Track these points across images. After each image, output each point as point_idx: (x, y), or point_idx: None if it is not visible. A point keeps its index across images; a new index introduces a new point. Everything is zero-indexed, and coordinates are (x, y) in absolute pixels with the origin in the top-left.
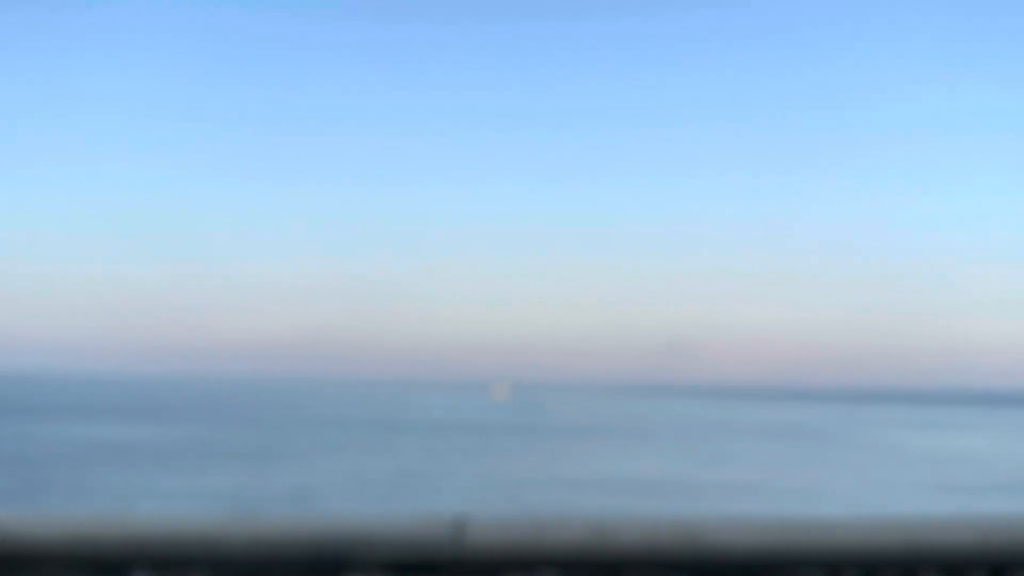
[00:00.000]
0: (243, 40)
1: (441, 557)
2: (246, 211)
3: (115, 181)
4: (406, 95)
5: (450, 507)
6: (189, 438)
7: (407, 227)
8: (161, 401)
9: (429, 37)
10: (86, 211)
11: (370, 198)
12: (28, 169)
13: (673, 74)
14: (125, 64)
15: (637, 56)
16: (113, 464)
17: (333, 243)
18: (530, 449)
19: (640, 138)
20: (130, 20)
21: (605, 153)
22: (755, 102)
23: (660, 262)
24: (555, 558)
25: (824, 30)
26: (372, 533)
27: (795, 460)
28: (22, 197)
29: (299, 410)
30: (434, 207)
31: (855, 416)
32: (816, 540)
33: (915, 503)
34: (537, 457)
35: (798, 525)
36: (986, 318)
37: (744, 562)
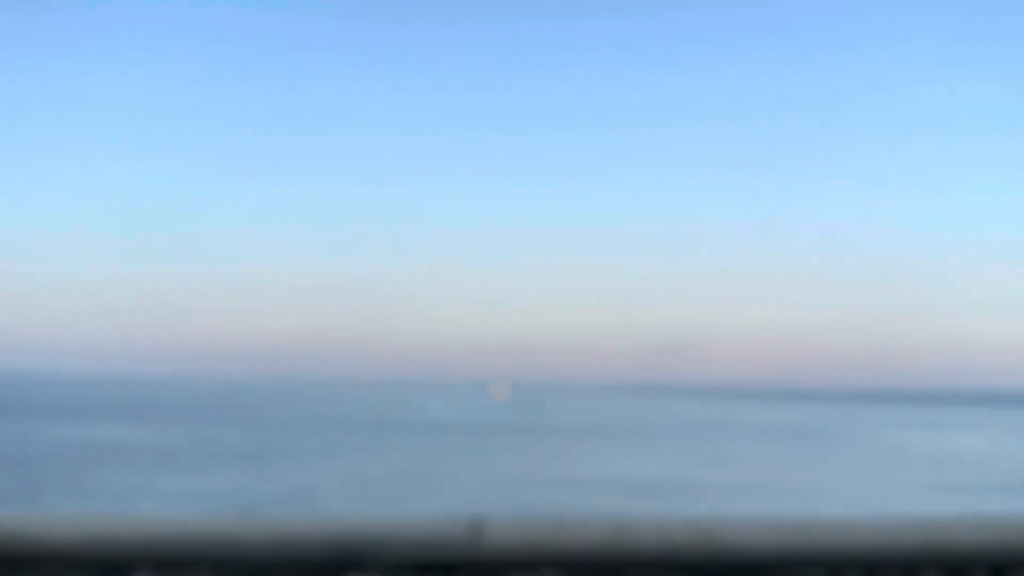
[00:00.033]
0: (243, 40)
1: (458, 557)
2: (246, 211)
3: (115, 181)
4: (406, 95)
5: (451, 507)
6: (189, 438)
7: (407, 227)
8: (160, 401)
9: (429, 37)
10: (86, 211)
11: (370, 198)
12: (28, 169)
13: (673, 74)
14: (125, 64)
15: (637, 56)
16: (113, 464)
17: (333, 243)
18: (530, 449)
19: (640, 138)
20: (130, 20)
21: (605, 153)
22: (755, 102)
23: (660, 262)
24: (572, 558)
25: (824, 30)
26: (389, 533)
27: (795, 460)
28: (22, 197)
29: (299, 410)
30: (434, 207)
31: (855, 416)
32: (817, 540)
33: (915, 503)
34: (537, 457)
35: (811, 525)
36: (986, 318)
37: (760, 562)
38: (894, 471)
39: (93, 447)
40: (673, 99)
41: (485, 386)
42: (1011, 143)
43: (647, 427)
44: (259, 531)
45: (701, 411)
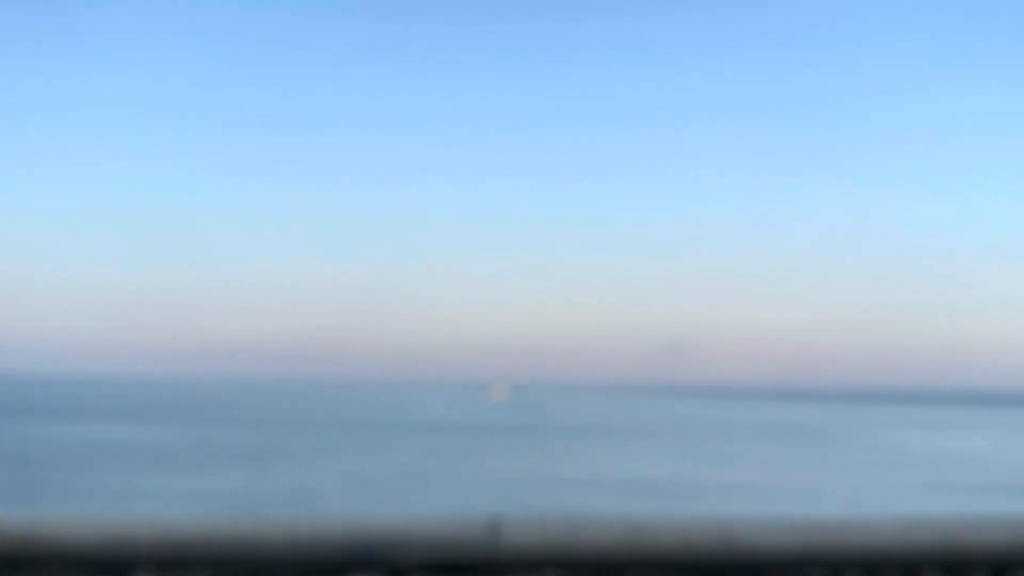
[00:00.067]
0: (243, 40)
1: (477, 557)
2: (246, 211)
3: (115, 181)
4: (406, 95)
5: (450, 507)
6: (188, 439)
7: (407, 227)
8: (160, 402)
9: (429, 37)
10: (86, 211)
11: (370, 198)
12: (28, 169)
13: (673, 74)
14: (125, 64)
15: (637, 56)
16: (112, 465)
17: (333, 243)
18: (530, 449)
19: (640, 138)
20: (130, 20)
21: (605, 153)
22: (755, 102)
23: (660, 262)
24: (589, 558)
25: (824, 30)
26: (407, 533)
27: (795, 460)
28: (22, 197)
29: (299, 410)
30: (434, 207)
31: (855, 416)
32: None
33: (915, 503)
34: (537, 457)
35: (828, 525)
36: (986, 317)
37: (778, 562)
38: (894, 471)
39: (92, 447)
40: (673, 99)
41: (485, 386)
42: (1011, 143)
43: (647, 427)
44: (273, 530)
45: (701, 411)
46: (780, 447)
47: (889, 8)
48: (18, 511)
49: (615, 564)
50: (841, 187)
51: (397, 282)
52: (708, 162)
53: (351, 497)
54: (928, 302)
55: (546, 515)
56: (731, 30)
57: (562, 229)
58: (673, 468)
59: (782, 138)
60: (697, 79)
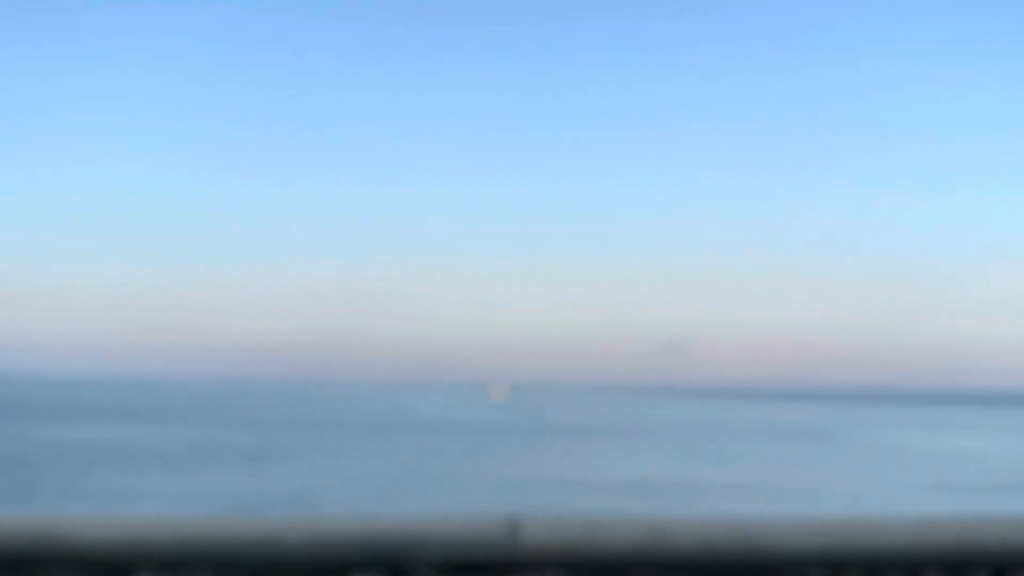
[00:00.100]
0: (243, 40)
1: (495, 557)
2: (246, 211)
3: (115, 181)
4: (406, 95)
5: (451, 508)
6: (188, 439)
7: (406, 227)
8: (160, 402)
9: (429, 37)
10: (86, 211)
11: (370, 198)
12: (29, 170)
13: (673, 75)
14: (125, 64)
15: (637, 57)
16: (112, 465)
17: (333, 243)
18: (529, 450)
19: (640, 138)
20: (131, 21)
21: (605, 153)
22: (755, 102)
23: (660, 262)
24: (608, 558)
25: (823, 31)
26: (425, 533)
27: (795, 460)
28: (22, 197)
29: (299, 411)
30: (434, 207)
31: (855, 416)
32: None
33: (915, 503)
34: (536, 458)
35: (845, 526)
36: (986, 317)
37: (799, 562)
38: (894, 471)
39: (92, 448)
40: (673, 100)
41: (485, 386)
42: (1011, 143)
43: (647, 427)
44: (290, 531)
45: (701, 411)
46: (780, 447)
47: (889, 8)
48: (19, 511)
49: (633, 564)
50: (841, 187)
51: (397, 282)
52: (708, 162)
53: (351, 497)
54: (928, 302)
55: (563, 515)
56: (731, 30)
57: (562, 229)
58: (673, 468)
59: (782, 138)
60: (697, 79)
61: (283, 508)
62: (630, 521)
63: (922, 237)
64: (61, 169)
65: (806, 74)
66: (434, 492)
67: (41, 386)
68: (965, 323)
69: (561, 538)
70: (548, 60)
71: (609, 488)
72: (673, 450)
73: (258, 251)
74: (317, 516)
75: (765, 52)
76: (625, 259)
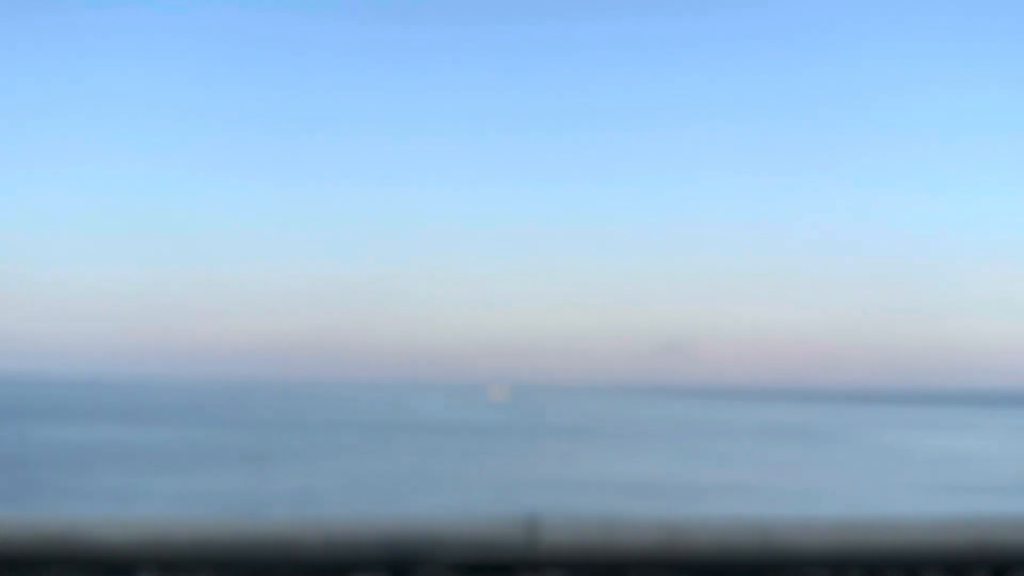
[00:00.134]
0: (243, 41)
1: (514, 557)
2: (246, 211)
3: (115, 181)
4: (406, 95)
5: (450, 508)
6: (187, 440)
7: (406, 228)
8: (159, 403)
9: (429, 38)
10: (86, 211)
11: (369, 198)
12: (29, 170)
13: (673, 75)
14: (126, 65)
15: (637, 57)
16: (111, 466)
17: (332, 244)
18: (528, 450)
19: (640, 138)
20: (131, 21)
21: (605, 153)
22: (755, 103)
23: (659, 262)
24: (627, 558)
25: (824, 31)
26: (444, 533)
27: (795, 461)
28: (22, 197)
29: (298, 412)
30: (434, 207)
31: (855, 416)
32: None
33: (915, 504)
34: (535, 458)
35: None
36: (986, 318)
37: (816, 562)
38: (894, 472)
39: (92, 448)
40: (673, 100)
41: (484, 387)
42: (1011, 143)
43: (646, 428)
44: (311, 531)
45: (700, 412)
46: (780, 448)
47: (889, 8)
48: (19, 512)
49: (651, 564)
50: (841, 187)
51: (396, 282)
52: (708, 162)
53: (351, 498)
54: (928, 302)
55: (580, 515)
56: (731, 30)
57: (562, 229)
58: (672, 468)
59: (782, 138)
60: (697, 79)
61: (283, 508)
62: (648, 521)
63: (922, 237)
64: (61, 169)
65: (806, 74)
66: (434, 492)
67: (41, 386)
68: (965, 323)
69: (579, 538)
70: (548, 60)
71: (609, 488)
72: (673, 450)
73: (258, 251)
74: (333, 516)
75: (765, 52)
76: (625, 259)
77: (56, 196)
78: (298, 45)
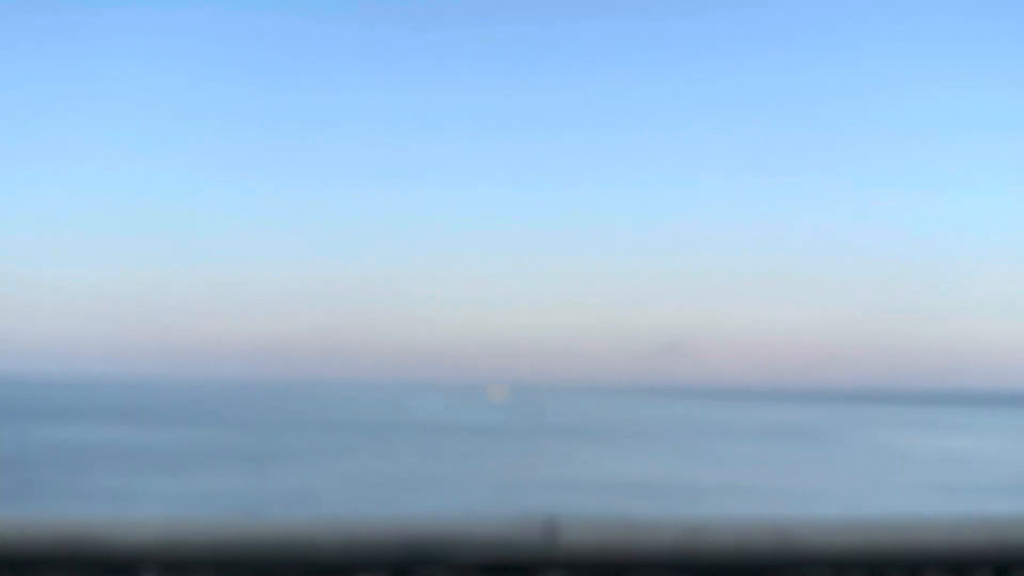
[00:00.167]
0: (243, 41)
1: (532, 558)
2: (246, 212)
3: (114, 181)
4: (406, 96)
5: (450, 508)
6: (187, 440)
7: (406, 228)
8: (158, 403)
9: (429, 38)
10: (86, 211)
11: (369, 200)
12: (28, 170)
13: (673, 75)
14: (126, 65)
15: (637, 57)
16: (111, 466)
17: (332, 244)
18: (528, 450)
19: (640, 138)
20: (132, 22)
21: (605, 153)
22: (754, 103)
23: (659, 263)
24: (648, 559)
25: (823, 31)
26: (463, 533)
27: (794, 461)
28: (22, 198)
29: (297, 412)
30: (433, 208)
31: (855, 417)
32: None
33: (916, 504)
34: (535, 459)
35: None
36: (986, 318)
37: (834, 562)
38: (893, 472)
39: (91, 449)
40: (673, 100)
41: (483, 387)
42: (1011, 143)
43: (646, 428)
44: (329, 531)
45: (700, 412)
46: (779, 448)
47: (889, 8)
48: (19, 512)
49: (671, 565)
50: (841, 187)
51: (396, 283)
52: (708, 162)
53: (351, 498)
54: (928, 302)
55: (601, 515)
56: (731, 30)
57: (561, 230)
58: (672, 469)
59: (782, 138)
60: (697, 79)
61: (283, 509)
62: (667, 521)
63: (922, 237)
64: (61, 169)
65: (806, 74)
66: (434, 493)
67: (41, 387)
68: (965, 323)
69: (597, 539)
70: (547, 61)
71: (608, 488)
72: (672, 451)
73: (258, 251)
74: (350, 516)
75: (765, 52)
76: (624, 259)
77: (56, 196)
78: (299, 46)
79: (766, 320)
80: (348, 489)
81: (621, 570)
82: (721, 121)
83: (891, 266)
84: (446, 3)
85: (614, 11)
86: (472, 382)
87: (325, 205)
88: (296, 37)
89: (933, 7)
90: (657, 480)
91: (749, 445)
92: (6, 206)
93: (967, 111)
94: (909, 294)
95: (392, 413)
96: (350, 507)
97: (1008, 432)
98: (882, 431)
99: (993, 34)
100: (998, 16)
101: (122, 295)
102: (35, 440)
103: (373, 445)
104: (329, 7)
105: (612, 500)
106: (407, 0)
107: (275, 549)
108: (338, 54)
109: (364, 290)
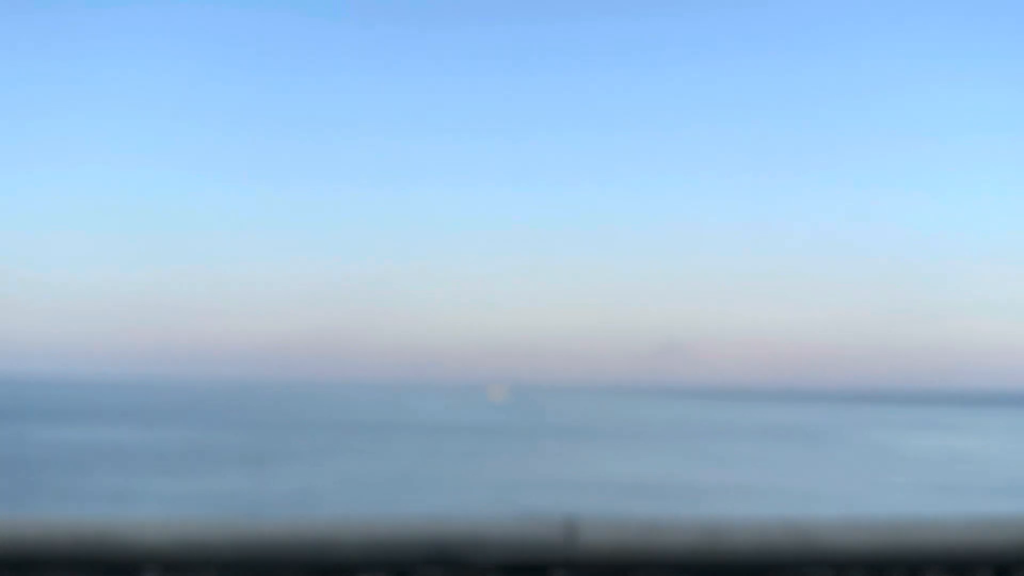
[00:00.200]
0: (244, 42)
1: (554, 558)
2: (245, 212)
3: (114, 182)
4: (405, 97)
5: (451, 508)
6: (187, 441)
7: (406, 229)
8: (158, 404)
9: (429, 39)
10: (86, 212)
11: (369, 200)
12: (28, 171)
13: (673, 75)
14: (125, 65)
15: (636, 59)
16: (110, 467)
17: (330, 245)
18: (528, 451)
19: (639, 139)
20: (131, 22)
21: (604, 154)
22: (754, 103)
23: (658, 263)
24: (667, 559)
25: (824, 32)
26: (483, 533)
27: (794, 462)
28: (22, 198)
29: (297, 413)
30: (433, 209)
31: (854, 417)
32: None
33: (916, 504)
34: (535, 459)
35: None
36: (986, 318)
37: (855, 562)
38: (893, 472)
39: (90, 450)
40: (673, 100)
41: (483, 387)
42: (1011, 143)
43: (645, 428)
44: (351, 531)
45: (699, 412)
46: (779, 448)
47: (889, 8)
48: (20, 513)
49: (691, 566)
50: (841, 187)
51: (396, 284)
52: (707, 162)
53: (351, 499)
54: (928, 302)
55: (621, 516)
56: (731, 30)
57: (561, 231)
58: (671, 469)
59: (782, 138)
60: (697, 79)
61: (283, 509)
62: (687, 522)
63: (922, 237)
64: (61, 169)
65: (806, 74)
66: (433, 493)
67: (40, 387)
68: (965, 323)
69: (618, 539)
70: (547, 61)
71: (607, 489)
72: (671, 451)
73: (257, 252)
74: (373, 516)
75: (765, 52)
76: (624, 259)
77: (56, 196)
78: (299, 47)
79: (766, 320)
80: (348, 489)
81: (640, 570)
82: (721, 121)
83: (891, 266)
84: (446, 3)
85: (614, 11)
86: (472, 382)
87: (325, 205)
88: (296, 37)
89: (933, 7)
90: (657, 480)
91: (749, 445)
92: (6, 206)
93: (967, 111)
94: (909, 294)
95: (392, 413)
96: (350, 507)
97: (1008, 432)
98: (882, 431)
99: (993, 34)
100: (998, 16)
101: (122, 295)
102: (35, 440)
103: (373, 445)
104: (329, 7)
105: (612, 500)
106: (407, 0)
107: (294, 549)
108: (338, 54)
109: (364, 290)
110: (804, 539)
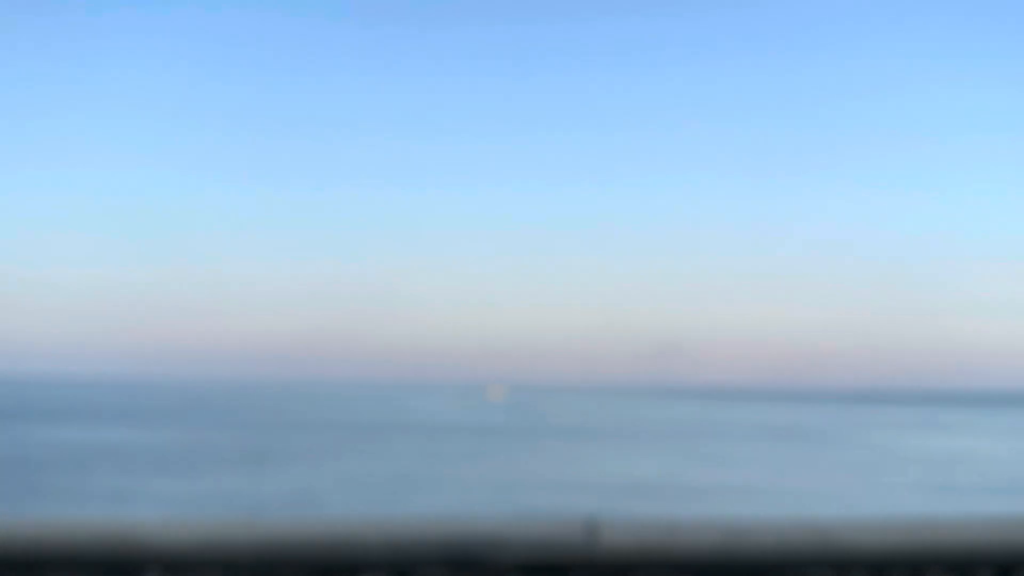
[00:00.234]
0: (243, 43)
1: (574, 559)
2: (245, 212)
3: (114, 182)
4: (406, 97)
5: (450, 508)
6: (186, 441)
7: (405, 229)
8: (157, 404)
9: (429, 39)
10: (84, 212)
11: (368, 201)
12: (28, 171)
13: (672, 75)
14: (125, 65)
15: (636, 58)
16: (110, 467)
17: (329, 245)
18: (526, 451)
19: (639, 138)
20: (131, 22)
21: (604, 154)
22: (754, 103)
23: (657, 263)
24: (687, 560)
25: (823, 31)
26: (504, 534)
27: (794, 462)
28: (22, 198)
29: (297, 413)
30: (432, 209)
31: (854, 417)
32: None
33: (916, 504)
34: (533, 459)
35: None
36: (986, 318)
37: (879, 563)
38: (893, 472)
39: (90, 450)
40: (673, 100)
41: (482, 388)
42: (1011, 143)
43: (644, 429)
44: (371, 531)
45: (699, 413)
46: (779, 449)
47: (889, 8)
48: (20, 513)
49: (712, 566)
50: (840, 188)
51: (395, 284)
52: (707, 162)
53: (350, 499)
54: (928, 302)
55: (642, 517)
56: (731, 30)
57: (560, 231)
58: (671, 469)
59: (782, 138)
60: (697, 79)
61: (283, 509)
62: (709, 522)
63: (922, 237)
64: (61, 170)
65: (806, 74)
66: (433, 493)
67: (40, 388)
68: (965, 323)
69: (638, 540)
70: (547, 61)
71: (607, 489)
72: (671, 451)
73: (257, 252)
74: (393, 517)
75: (765, 52)
76: (624, 260)
77: (56, 197)
78: (299, 46)
79: (766, 320)
80: (348, 489)
81: (661, 571)
82: (721, 121)
83: (890, 266)
84: (446, 3)
85: (614, 11)
86: (471, 382)
87: (325, 205)
88: (296, 37)
89: (933, 7)
90: (657, 480)
91: (749, 445)
92: (6, 206)
93: (966, 111)
94: (908, 294)
95: (392, 413)
96: (349, 507)
97: (1008, 432)
98: (881, 431)
99: (993, 34)
100: (998, 16)
101: (122, 295)
102: (35, 440)
103: (373, 445)
104: (329, 7)
105: (613, 500)
106: (407, 0)
107: (314, 549)
108: (338, 54)
109: (364, 290)
110: (826, 540)
